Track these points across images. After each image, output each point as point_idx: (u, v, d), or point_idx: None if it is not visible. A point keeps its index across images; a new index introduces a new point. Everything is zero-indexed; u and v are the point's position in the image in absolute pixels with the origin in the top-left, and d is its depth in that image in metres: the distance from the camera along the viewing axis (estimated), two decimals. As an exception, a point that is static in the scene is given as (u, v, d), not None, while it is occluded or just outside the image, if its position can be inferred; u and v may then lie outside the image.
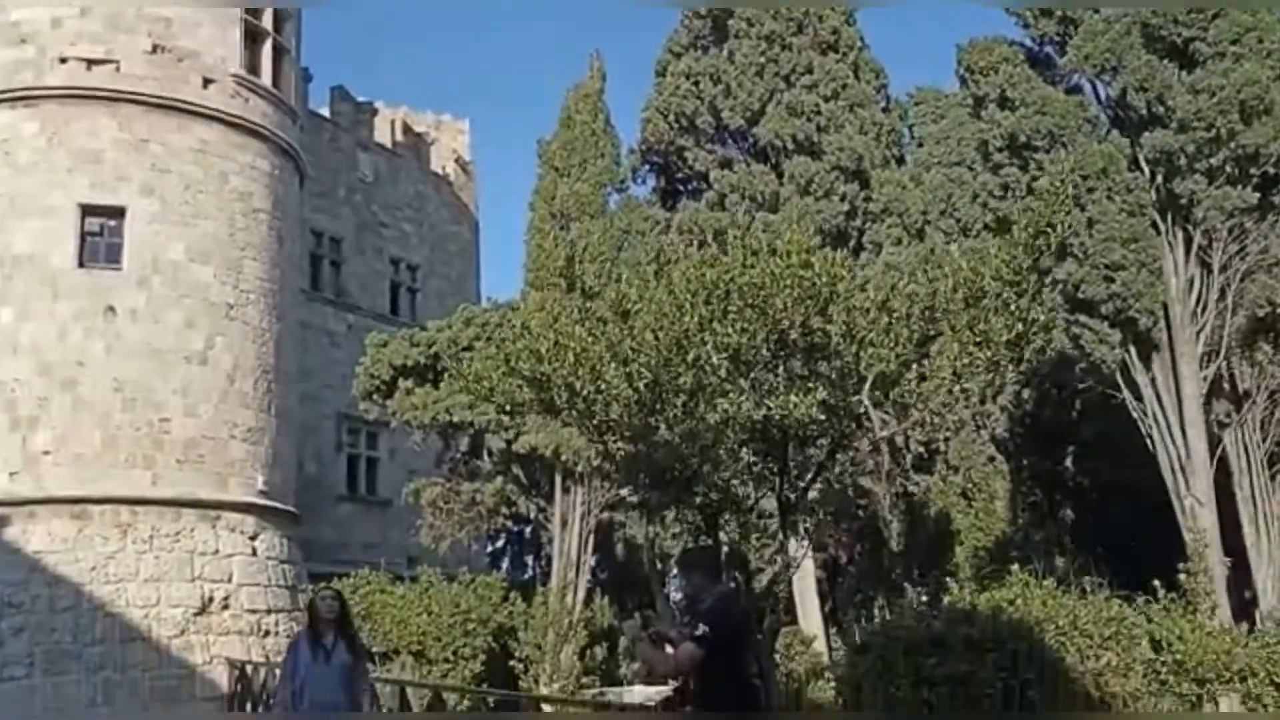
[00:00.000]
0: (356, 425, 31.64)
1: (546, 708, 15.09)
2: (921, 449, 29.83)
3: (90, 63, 23.15)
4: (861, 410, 12.81)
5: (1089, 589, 14.74)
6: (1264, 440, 23.86)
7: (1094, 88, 23.50)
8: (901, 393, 12.91)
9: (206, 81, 24.08)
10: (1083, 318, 22.14)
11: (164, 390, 22.44)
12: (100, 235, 22.89)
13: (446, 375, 23.75)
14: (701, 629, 5.95)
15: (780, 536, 14.53)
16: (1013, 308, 11.72)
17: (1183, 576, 19.99)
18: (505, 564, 42.80)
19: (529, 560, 43.37)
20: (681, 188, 28.58)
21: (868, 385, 12.51)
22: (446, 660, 22.84)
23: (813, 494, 15.49)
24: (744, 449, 14.07)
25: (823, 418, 12.59)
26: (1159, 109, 21.55)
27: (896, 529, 30.19)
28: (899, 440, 24.28)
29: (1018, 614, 12.85)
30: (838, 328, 12.36)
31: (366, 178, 34.94)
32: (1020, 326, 11.65)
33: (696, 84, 27.20)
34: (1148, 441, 22.84)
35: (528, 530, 39.56)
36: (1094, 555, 20.13)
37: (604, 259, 21.73)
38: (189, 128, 23.74)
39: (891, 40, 72.81)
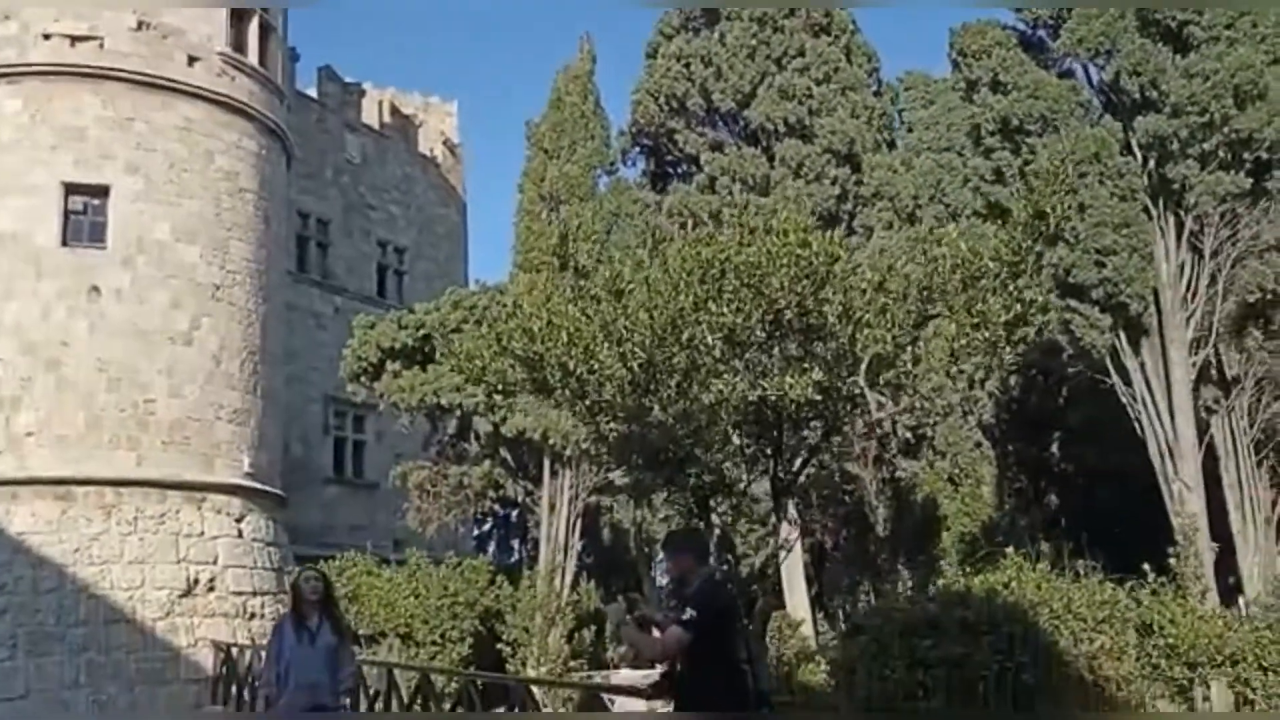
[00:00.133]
0: (343, 408, 31.46)
1: (536, 690, 15.00)
2: (909, 434, 29.86)
3: (74, 39, 22.86)
4: (857, 392, 12.72)
5: (1083, 572, 14.71)
6: (1251, 427, 23.96)
7: (1086, 71, 23.49)
8: (897, 374, 12.83)
9: (192, 59, 23.80)
10: (1073, 302, 22.15)
11: (149, 371, 22.23)
12: (84, 214, 22.64)
13: (438, 356, 23.60)
14: (688, 612, 5.85)
15: (774, 519, 14.45)
16: (1011, 288, 11.64)
17: (1172, 561, 20.03)
18: (491, 548, 42.72)
19: (515, 544, 43.28)
20: (672, 170, 28.44)
21: (864, 367, 12.43)
22: (434, 643, 22.78)
23: (803, 479, 15.43)
24: (737, 431, 13.98)
25: (818, 399, 12.49)
26: (1152, 93, 21.53)
27: (883, 514, 30.25)
28: (888, 425, 24.25)
29: (1012, 597, 12.82)
30: (834, 308, 12.27)
31: (354, 159, 34.68)
32: (1019, 307, 11.58)
33: (687, 66, 27.04)
34: (1136, 426, 22.90)
35: (514, 514, 39.49)
36: (1081, 540, 20.16)
37: (596, 239, 21.58)
38: (174, 106, 23.48)
39: (882, 24, 72.68)
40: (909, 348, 12.83)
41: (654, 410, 13.42)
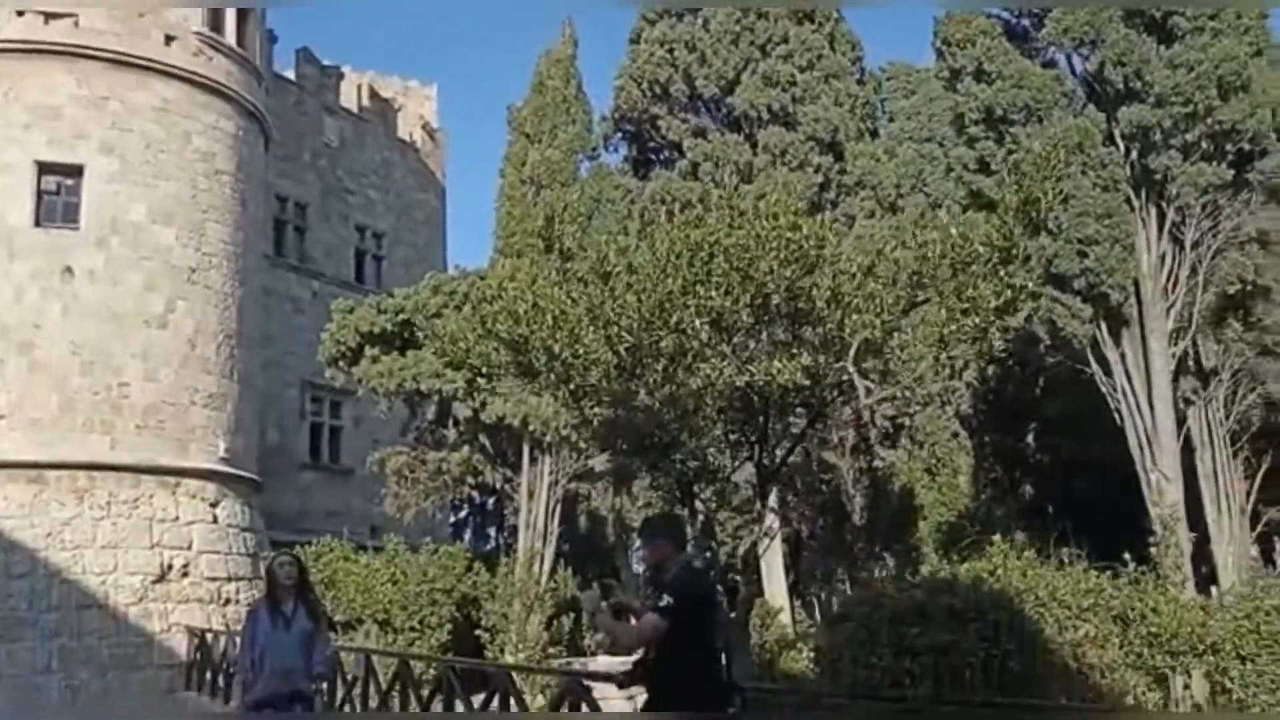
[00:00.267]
0: (320, 393, 31.17)
1: (516, 676, 14.87)
2: (888, 424, 29.90)
3: (48, 16, 22.49)
4: (845, 378, 12.64)
5: (1067, 560, 14.71)
6: (1227, 418, 24.10)
7: (1070, 61, 23.47)
8: (885, 360, 12.76)
9: (168, 38, 23.47)
10: (1055, 292, 22.14)
11: (123, 354, 21.93)
12: (57, 194, 22.33)
13: (418, 341, 23.37)
14: (665, 599, 5.74)
15: (758, 506, 14.36)
16: (1001, 274, 11.58)
17: (1152, 550, 20.09)
18: (468, 535, 42.47)
19: (491, 532, 43.12)
20: (654, 157, 28.21)
21: (852, 352, 12.34)
22: (413, 629, 22.62)
23: (786, 467, 15.35)
24: (722, 417, 13.88)
25: (806, 384, 12.40)
26: (1136, 84, 21.54)
27: (860, 503, 30.29)
28: (867, 414, 24.25)
29: (998, 585, 12.79)
30: (823, 293, 12.17)
31: (332, 143, 34.31)
32: (1009, 293, 11.52)
33: (671, 51, 26.81)
34: (1115, 417, 22.96)
35: (490, 502, 39.30)
36: (1058, 530, 20.20)
37: (580, 223, 21.41)
38: (150, 85, 23.14)
39: (865, 14, 72.47)
40: (896, 334, 12.76)
41: (640, 395, 13.30)
